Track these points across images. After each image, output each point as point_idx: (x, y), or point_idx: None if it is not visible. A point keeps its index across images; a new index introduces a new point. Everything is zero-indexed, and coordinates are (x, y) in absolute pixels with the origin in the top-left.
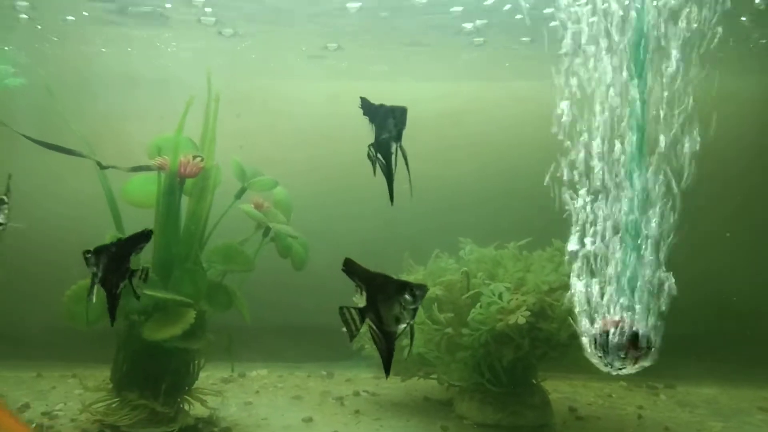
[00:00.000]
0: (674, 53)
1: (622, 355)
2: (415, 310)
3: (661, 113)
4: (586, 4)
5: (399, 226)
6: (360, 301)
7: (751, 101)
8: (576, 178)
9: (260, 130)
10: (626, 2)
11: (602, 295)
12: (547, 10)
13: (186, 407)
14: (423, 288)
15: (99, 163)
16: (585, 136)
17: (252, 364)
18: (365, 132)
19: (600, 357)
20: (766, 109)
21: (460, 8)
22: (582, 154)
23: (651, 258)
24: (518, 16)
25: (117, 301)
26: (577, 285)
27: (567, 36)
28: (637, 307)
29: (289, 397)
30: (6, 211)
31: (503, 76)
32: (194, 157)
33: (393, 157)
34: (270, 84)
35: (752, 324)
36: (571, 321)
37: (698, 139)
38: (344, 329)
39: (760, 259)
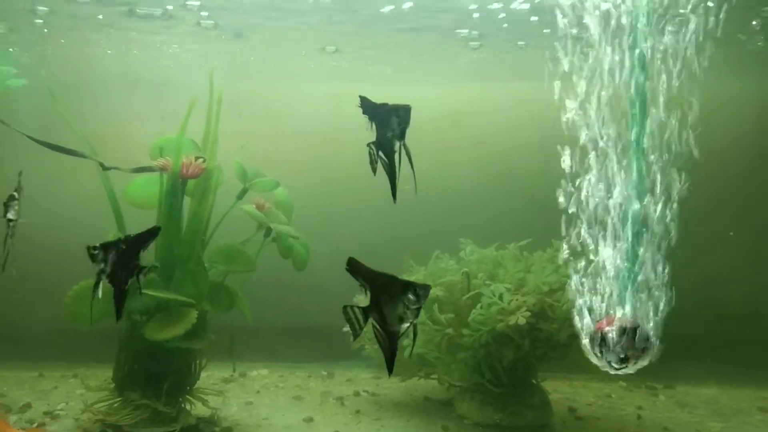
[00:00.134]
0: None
1: (622, 355)
2: (418, 309)
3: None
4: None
5: (400, 227)
6: (362, 300)
7: (750, 104)
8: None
9: (261, 131)
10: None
11: (601, 294)
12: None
13: (188, 407)
14: (426, 288)
15: (102, 164)
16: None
17: (253, 364)
18: (366, 133)
19: (599, 356)
20: (765, 111)
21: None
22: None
23: (650, 258)
24: (505, 25)
25: (125, 297)
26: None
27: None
28: (637, 306)
29: (290, 397)
30: (16, 207)
31: (503, 77)
32: (196, 159)
33: (396, 155)
34: (270, 85)
35: (752, 324)
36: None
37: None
38: (344, 329)
39: (760, 260)
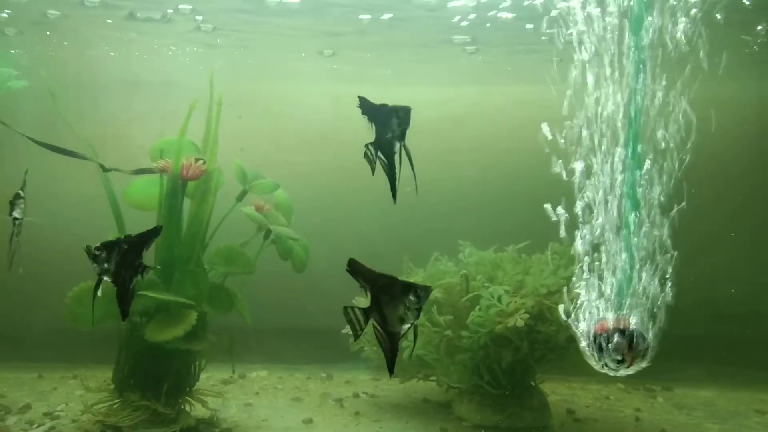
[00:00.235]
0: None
1: (619, 358)
2: (419, 311)
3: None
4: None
5: (399, 229)
6: (361, 301)
7: (749, 106)
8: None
9: (261, 132)
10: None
11: (600, 297)
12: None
13: (187, 408)
14: (427, 289)
15: (102, 166)
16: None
17: (252, 365)
18: (366, 134)
19: (596, 358)
20: (763, 113)
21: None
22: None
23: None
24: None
25: (130, 296)
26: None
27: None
28: (634, 308)
29: (289, 399)
30: (22, 206)
31: (504, 80)
32: (196, 160)
33: (396, 156)
34: (270, 87)
35: (751, 326)
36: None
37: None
38: (344, 330)
39: (758, 261)
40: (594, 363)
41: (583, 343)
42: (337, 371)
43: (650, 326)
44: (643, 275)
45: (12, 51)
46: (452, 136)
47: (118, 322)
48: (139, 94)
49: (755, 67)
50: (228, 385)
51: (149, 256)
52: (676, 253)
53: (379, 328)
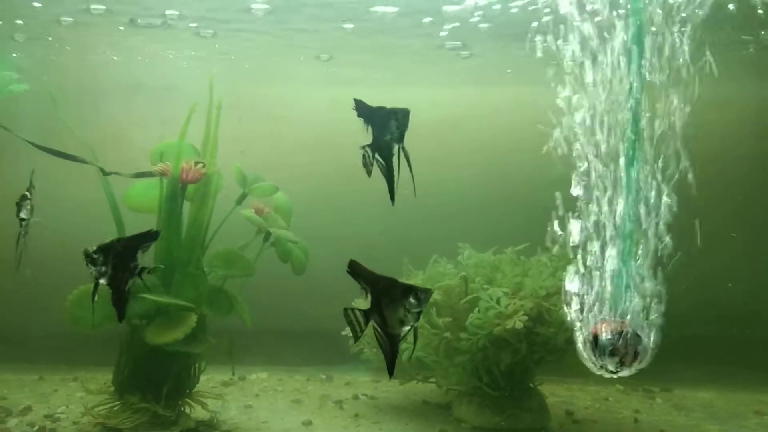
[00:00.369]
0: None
1: (616, 359)
2: (419, 313)
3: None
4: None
5: (398, 231)
6: (361, 303)
7: (748, 108)
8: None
9: (261, 135)
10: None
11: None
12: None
13: (187, 410)
14: (427, 292)
15: (102, 170)
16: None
17: (252, 367)
18: (365, 136)
19: (593, 360)
20: (763, 115)
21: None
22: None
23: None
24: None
25: (127, 299)
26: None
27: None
28: (632, 310)
29: (289, 401)
30: (29, 207)
31: (503, 81)
32: (196, 164)
33: (395, 158)
34: (269, 91)
35: (750, 327)
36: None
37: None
38: (343, 332)
39: (758, 262)
40: (591, 365)
41: (580, 345)
42: (337, 373)
43: (648, 328)
44: (642, 276)
45: (14, 54)
46: (451, 137)
47: (118, 325)
48: (139, 98)
49: (755, 68)
50: (228, 387)
51: (149, 258)
52: (678, 254)
53: (379, 330)
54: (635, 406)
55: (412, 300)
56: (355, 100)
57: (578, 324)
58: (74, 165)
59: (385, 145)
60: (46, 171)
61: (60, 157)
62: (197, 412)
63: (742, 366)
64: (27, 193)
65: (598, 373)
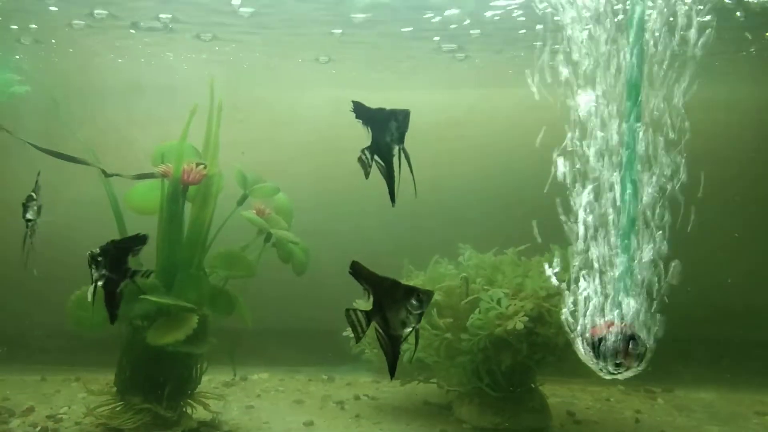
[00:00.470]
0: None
1: (617, 361)
2: (421, 314)
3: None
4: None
5: (400, 232)
6: (361, 304)
7: (747, 110)
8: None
9: (262, 137)
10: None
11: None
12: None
13: (189, 411)
14: (429, 293)
15: (104, 171)
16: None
17: (253, 368)
18: (365, 138)
19: (594, 361)
20: (762, 117)
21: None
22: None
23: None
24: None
25: (118, 300)
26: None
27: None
28: (632, 311)
29: (290, 401)
30: (35, 207)
31: (504, 83)
32: (197, 165)
33: (395, 159)
34: (269, 92)
35: (750, 328)
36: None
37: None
38: (344, 333)
39: (758, 262)
40: (592, 365)
41: (581, 346)
42: (338, 374)
43: (649, 329)
44: (642, 277)
45: (17, 57)
46: (452, 139)
47: (120, 326)
48: (141, 100)
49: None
50: (229, 388)
51: (150, 259)
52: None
53: (381, 331)
54: (636, 406)
55: (414, 301)
56: (353, 102)
57: (578, 325)
58: (76, 166)
59: (385, 147)
60: (47, 173)
61: (62, 159)
62: (199, 413)
63: (744, 367)
64: (33, 194)
65: (600, 373)
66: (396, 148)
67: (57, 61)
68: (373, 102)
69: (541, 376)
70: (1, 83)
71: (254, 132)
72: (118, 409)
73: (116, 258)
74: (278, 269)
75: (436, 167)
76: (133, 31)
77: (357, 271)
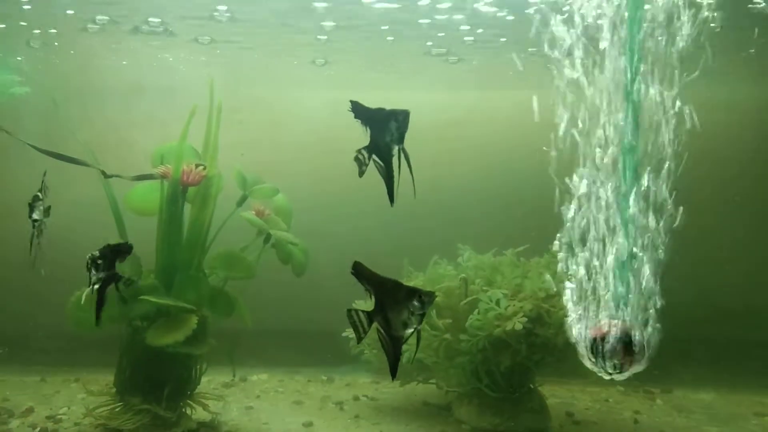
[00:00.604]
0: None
1: (615, 362)
2: (422, 316)
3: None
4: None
5: (399, 233)
6: (361, 305)
7: (747, 110)
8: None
9: (261, 138)
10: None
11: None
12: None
13: (188, 412)
14: (431, 295)
15: (103, 172)
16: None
17: (253, 368)
18: (364, 138)
19: (593, 362)
20: (762, 117)
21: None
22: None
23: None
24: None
25: (103, 302)
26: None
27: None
28: (630, 312)
29: (290, 402)
30: (41, 207)
31: (505, 84)
32: (197, 166)
33: (394, 159)
34: (269, 94)
35: (750, 328)
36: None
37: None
38: (344, 334)
39: (758, 261)
40: (590, 365)
41: (580, 347)
42: (338, 374)
43: (647, 329)
44: (641, 278)
45: (18, 58)
46: (451, 139)
47: (120, 327)
48: (140, 102)
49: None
50: (229, 389)
51: (149, 260)
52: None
53: (382, 331)
54: (635, 407)
55: (415, 303)
56: (351, 101)
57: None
58: (75, 168)
59: (384, 147)
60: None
61: (61, 159)
62: (198, 414)
63: (743, 368)
64: (39, 194)
65: (599, 374)
66: (396, 148)
67: (58, 63)
68: (372, 102)
69: (540, 377)
70: (1, 84)
71: (254, 133)
72: (117, 409)
73: (110, 262)
74: (278, 270)
75: (435, 167)
76: (133, 35)
77: (359, 271)
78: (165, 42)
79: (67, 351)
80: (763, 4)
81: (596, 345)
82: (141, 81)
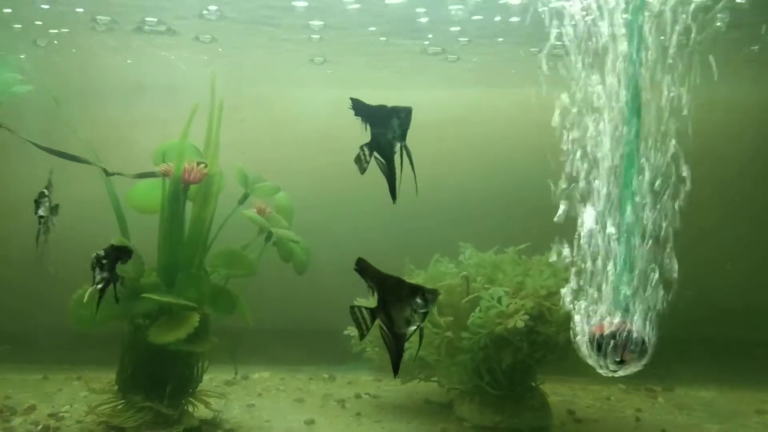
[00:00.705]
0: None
1: (617, 359)
2: (425, 313)
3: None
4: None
5: (400, 231)
6: (362, 302)
7: (747, 110)
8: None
9: (262, 136)
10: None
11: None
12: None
13: (190, 409)
14: (434, 293)
15: (105, 170)
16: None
17: (254, 366)
18: (365, 136)
19: (595, 359)
20: (762, 117)
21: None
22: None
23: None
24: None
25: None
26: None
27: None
28: (633, 309)
29: (292, 400)
30: (47, 204)
31: (505, 82)
32: (198, 164)
33: (396, 156)
34: (270, 92)
35: (751, 328)
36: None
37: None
38: (345, 332)
39: (759, 261)
40: (592, 362)
41: (582, 344)
42: (339, 372)
43: (649, 327)
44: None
45: (21, 56)
46: (452, 138)
47: (122, 325)
48: (142, 100)
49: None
50: (231, 386)
51: (151, 258)
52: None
53: (385, 328)
54: (637, 405)
55: (419, 300)
56: (351, 99)
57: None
58: (77, 166)
59: (386, 144)
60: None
61: (63, 157)
62: (200, 411)
63: (744, 365)
64: (45, 191)
65: (600, 371)
66: (397, 146)
67: (59, 61)
68: (372, 101)
69: (541, 375)
70: (3, 83)
71: (255, 132)
72: (119, 407)
73: (114, 262)
74: (279, 268)
75: (436, 166)
76: (135, 34)
77: (363, 268)
78: (166, 41)
79: (69, 349)
80: None
81: (597, 341)
82: (142, 79)
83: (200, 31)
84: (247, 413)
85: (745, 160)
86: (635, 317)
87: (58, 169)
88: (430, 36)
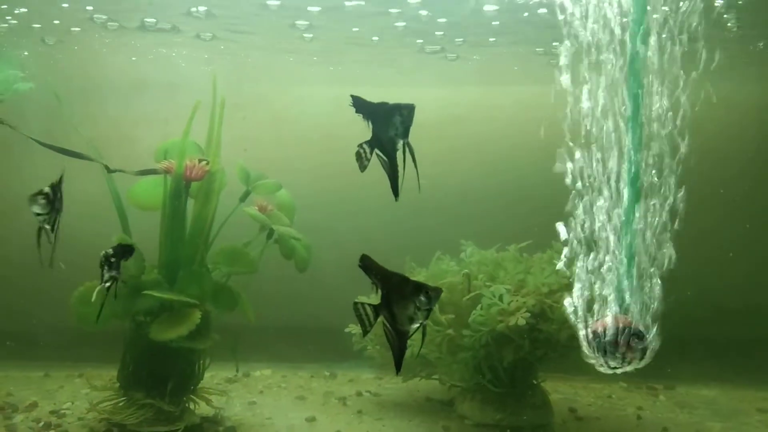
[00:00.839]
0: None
1: (618, 356)
2: (429, 311)
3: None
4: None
5: (402, 228)
6: (364, 299)
7: (747, 109)
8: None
9: (264, 134)
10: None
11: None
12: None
13: (191, 406)
14: (438, 291)
15: (107, 167)
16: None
17: (256, 364)
18: (367, 134)
19: (595, 357)
20: (762, 116)
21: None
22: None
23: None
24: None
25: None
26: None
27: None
28: (633, 306)
29: (293, 397)
30: (43, 201)
31: (507, 80)
32: (200, 161)
33: (398, 154)
34: (271, 90)
35: (752, 327)
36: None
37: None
38: (347, 329)
39: (759, 259)
40: (593, 360)
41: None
42: (341, 370)
43: (651, 325)
44: (644, 274)
45: (25, 53)
46: (453, 136)
47: (124, 322)
48: (144, 98)
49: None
50: (232, 384)
51: (152, 256)
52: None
53: (388, 325)
54: (638, 403)
55: (422, 298)
56: (352, 96)
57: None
58: (78, 163)
59: (388, 141)
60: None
61: (65, 154)
62: (202, 408)
63: (745, 364)
64: (45, 188)
65: (600, 369)
66: (400, 143)
67: (61, 58)
68: (373, 98)
69: (543, 373)
70: (5, 80)
71: (256, 129)
72: (121, 404)
73: (119, 260)
74: (281, 266)
75: (438, 164)
76: (138, 32)
77: (367, 265)
78: (167, 39)
79: (71, 346)
80: None
81: (598, 338)
82: (144, 77)
83: (201, 29)
84: (249, 410)
85: (745, 159)
86: (636, 314)
87: (58, 167)
88: (438, 33)
